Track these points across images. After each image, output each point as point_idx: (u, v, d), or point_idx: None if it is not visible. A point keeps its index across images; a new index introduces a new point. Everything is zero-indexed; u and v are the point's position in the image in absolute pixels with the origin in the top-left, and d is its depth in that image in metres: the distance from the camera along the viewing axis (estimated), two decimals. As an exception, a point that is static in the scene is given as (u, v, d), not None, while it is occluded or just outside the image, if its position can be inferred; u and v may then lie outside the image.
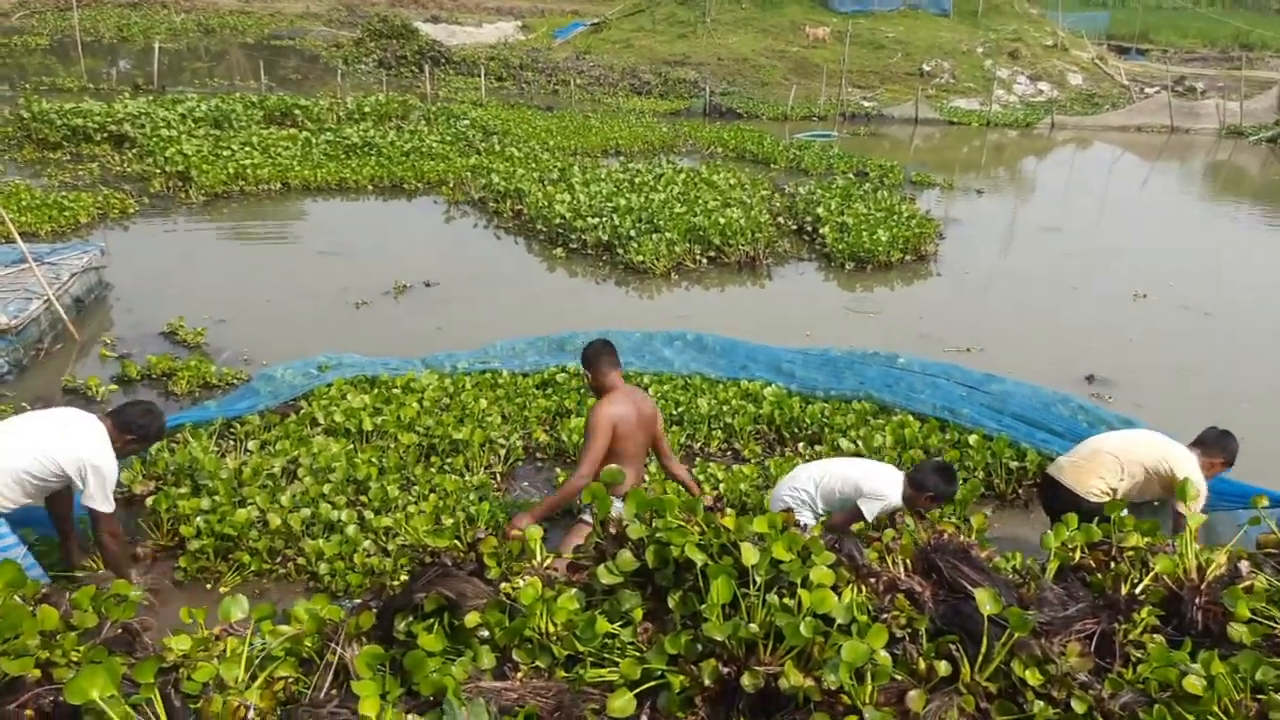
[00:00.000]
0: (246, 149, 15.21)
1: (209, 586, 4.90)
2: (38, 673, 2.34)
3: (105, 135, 16.14)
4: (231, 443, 6.16)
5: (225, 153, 14.86)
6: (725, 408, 6.93)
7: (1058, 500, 5.16)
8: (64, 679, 2.30)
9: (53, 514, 4.61)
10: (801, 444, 6.67)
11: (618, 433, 4.54)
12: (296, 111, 18.47)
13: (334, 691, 2.36)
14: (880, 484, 4.76)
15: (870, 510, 4.66)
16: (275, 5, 44.73)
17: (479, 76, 27.22)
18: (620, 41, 35.64)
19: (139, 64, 27.47)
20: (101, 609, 2.63)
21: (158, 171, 14.11)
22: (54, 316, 8.02)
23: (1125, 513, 3.10)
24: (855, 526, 4.28)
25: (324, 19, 41.71)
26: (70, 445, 4.14)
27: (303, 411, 6.55)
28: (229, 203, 13.40)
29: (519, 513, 4.83)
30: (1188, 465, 4.91)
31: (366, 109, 19.44)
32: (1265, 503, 3.23)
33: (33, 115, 16.14)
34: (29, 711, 2.26)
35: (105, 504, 4.23)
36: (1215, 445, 5.08)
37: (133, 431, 4.44)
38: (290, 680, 2.41)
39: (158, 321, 8.53)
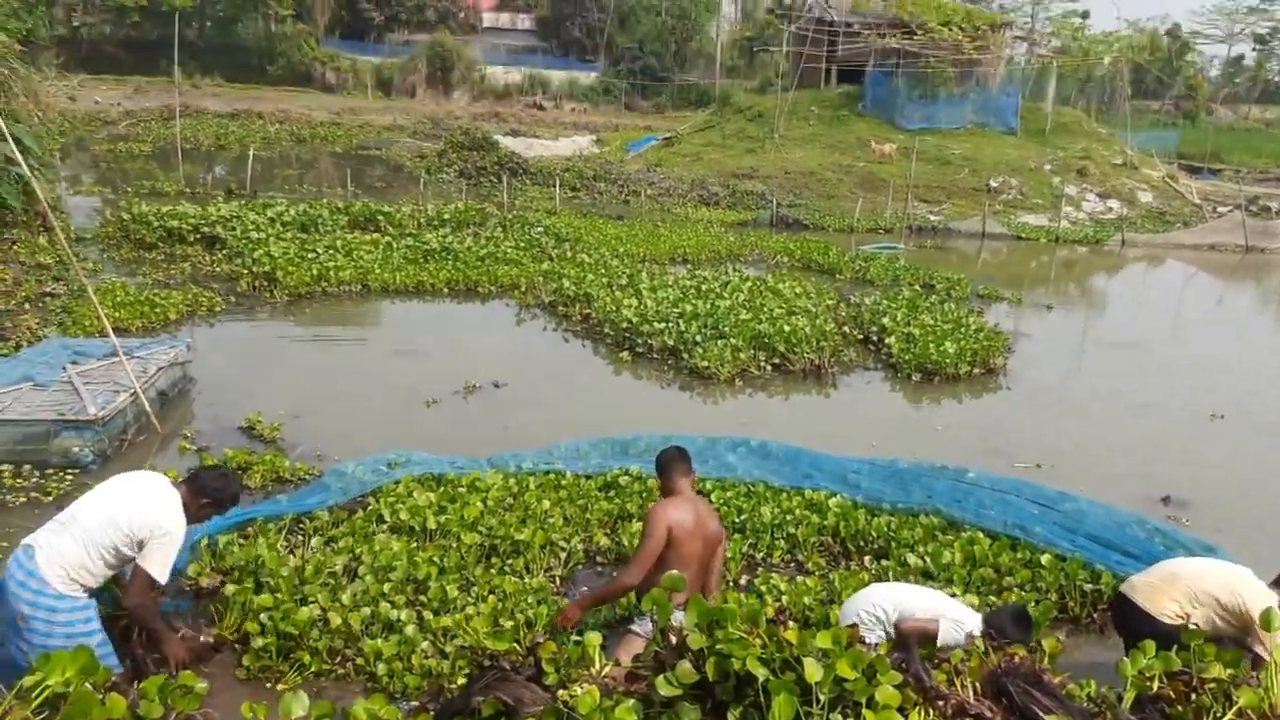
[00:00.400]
0: (330, 252, 15.83)
1: (269, 685, 4.92)
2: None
3: (198, 237, 16.97)
4: (300, 538, 6.26)
5: (310, 255, 15.47)
6: (789, 517, 6.85)
7: (1129, 619, 4.99)
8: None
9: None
10: (867, 557, 6.54)
11: (673, 536, 4.52)
12: (379, 217, 19.22)
13: (390, 793, 2.35)
14: (963, 614, 4.66)
15: (947, 632, 4.52)
16: (364, 118, 47.09)
17: (554, 187, 28.12)
18: (690, 155, 36.59)
19: (234, 170, 29.01)
20: (168, 700, 2.67)
21: (245, 272, 14.73)
22: (139, 409, 8.33)
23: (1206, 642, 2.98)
24: (916, 629, 4.19)
25: (409, 131, 43.71)
26: (145, 508, 4.19)
27: (370, 508, 6.65)
28: (311, 303, 13.89)
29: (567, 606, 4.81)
30: (1264, 599, 4.69)
31: (446, 216, 20.16)
32: None
33: (132, 217, 17.07)
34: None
35: (162, 573, 4.21)
36: None
37: (208, 495, 4.49)
38: (348, 779, 2.41)
39: (237, 416, 8.80)
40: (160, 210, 17.50)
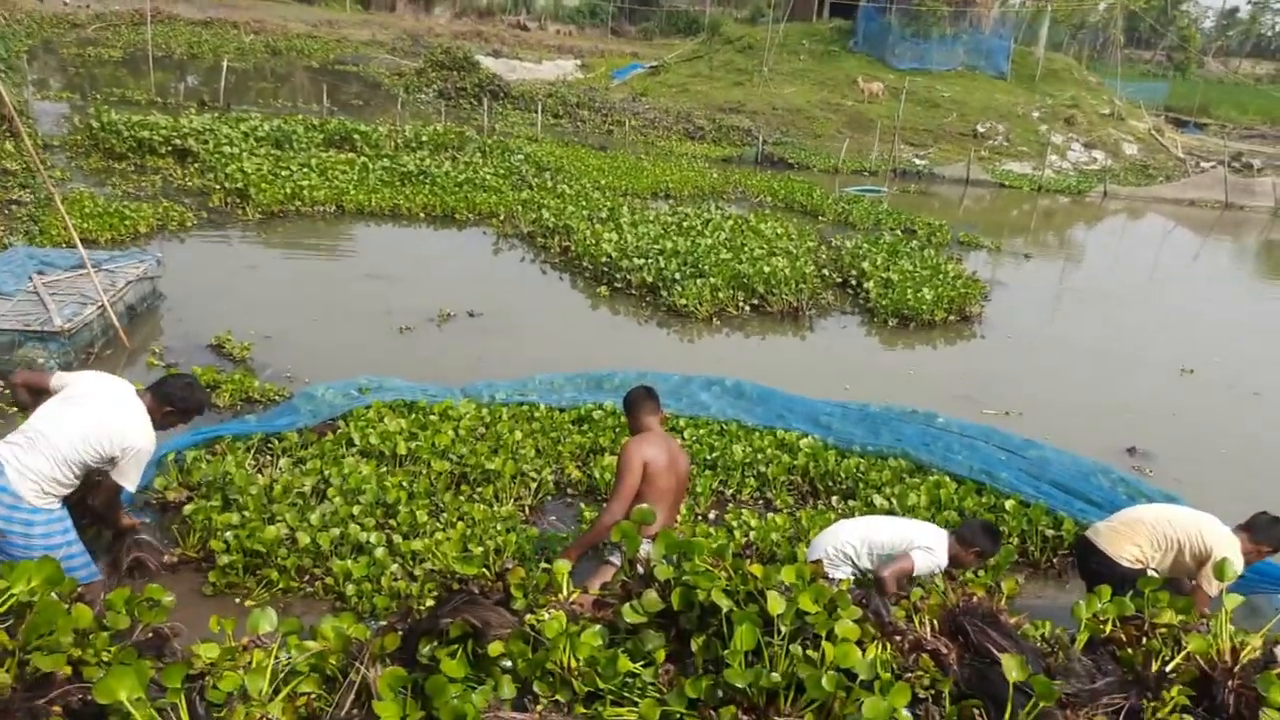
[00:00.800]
0: (304, 170, 15.56)
1: (237, 601, 4.95)
2: (69, 670, 2.38)
3: (170, 149, 16.59)
4: (268, 458, 6.25)
5: (284, 173, 15.20)
6: (760, 456, 6.91)
7: (1091, 564, 5.13)
8: (94, 678, 2.34)
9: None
10: (835, 497, 6.63)
11: (648, 472, 4.56)
12: (356, 136, 18.86)
13: (355, 711, 2.37)
14: (932, 540, 4.76)
15: (922, 562, 4.63)
16: (342, 31, 45.83)
17: (536, 112, 27.66)
18: (677, 86, 36.04)
19: (207, 81, 28.27)
20: (135, 612, 2.67)
21: (217, 187, 14.47)
22: (106, 322, 8.22)
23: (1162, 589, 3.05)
24: (896, 572, 4.28)
25: (388, 47, 42.62)
26: (116, 427, 4.14)
27: (340, 432, 6.64)
28: (284, 222, 13.68)
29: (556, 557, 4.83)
30: (1227, 545, 4.82)
31: (424, 138, 19.80)
32: None
33: (101, 125, 16.64)
34: (57, 708, 2.30)
35: (132, 485, 4.26)
36: (1265, 531, 4.96)
37: (173, 404, 4.41)
38: (313, 696, 2.44)
39: (206, 334, 8.71)
40: (131, 120, 17.07)
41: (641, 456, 4.57)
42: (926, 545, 4.72)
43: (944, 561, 4.72)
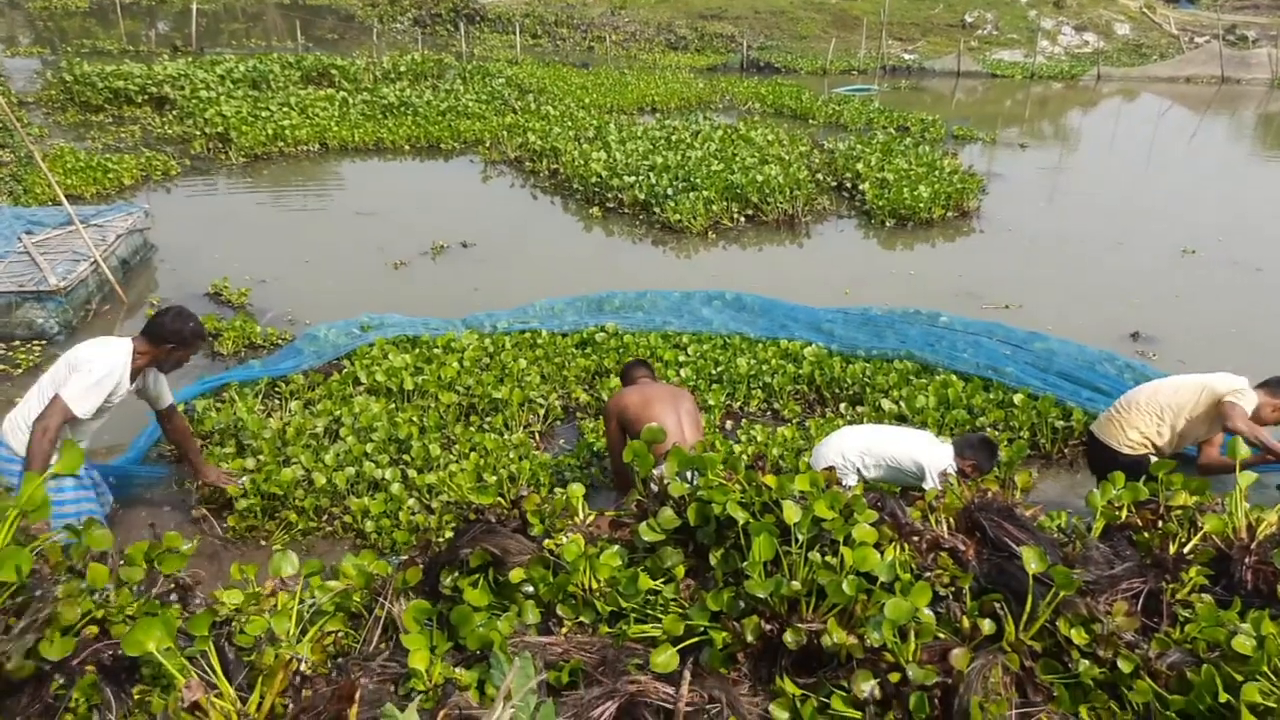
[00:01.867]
0: (284, 110, 15.28)
1: (261, 544, 5.00)
2: (95, 629, 2.40)
3: (146, 97, 16.29)
4: (276, 402, 6.25)
5: (264, 114, 14.94)
6: (765, 367, 6.90)
7: (1097, 456, 5.12)
8: (120, 635, 2.36)
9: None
10: (843, 404, 6.63)
11: (627, 418, 4.73)
12: (333, 71, 18.50)
13: (383, 645, 2.40)
14: (936, 456, 4.71)
15: (932, 481, 4.60)
16: (310, -36, 44.52)
17: (514, 34, 27.02)
18: (656, -5, 35.11)
19: (177, 26, 27.59)
20: (155, 563, 2.68)
21: (198, 133, 14.22)
22: (101, 278, 8.15)
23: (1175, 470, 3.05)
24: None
25: (358, -23, 41.45)
26: (81, 347, 4.12)
27: (346, 371, 6.63)
28: (268, 164, 13.48)
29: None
30: (1234, 385, 4.76)
31: (402, 68, 19.41)
32: None
33: (75, 79, 16.31)
34: (90, 666, 2.32)
35: (77, 403, 3.99)
36: None
37: (169, 339, 4.29)
38: (340, 634, 2.46)
39: (202, 282, 8.64)
40: (104, 70, 16.72)
41: (614, 412, 4.81)
42: (939, 469, 4.61)
43: (948, 467, 4.66)
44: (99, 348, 4.19)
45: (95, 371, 4.06)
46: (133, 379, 4.33)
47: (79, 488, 4.29)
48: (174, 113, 15.68)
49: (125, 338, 4.36)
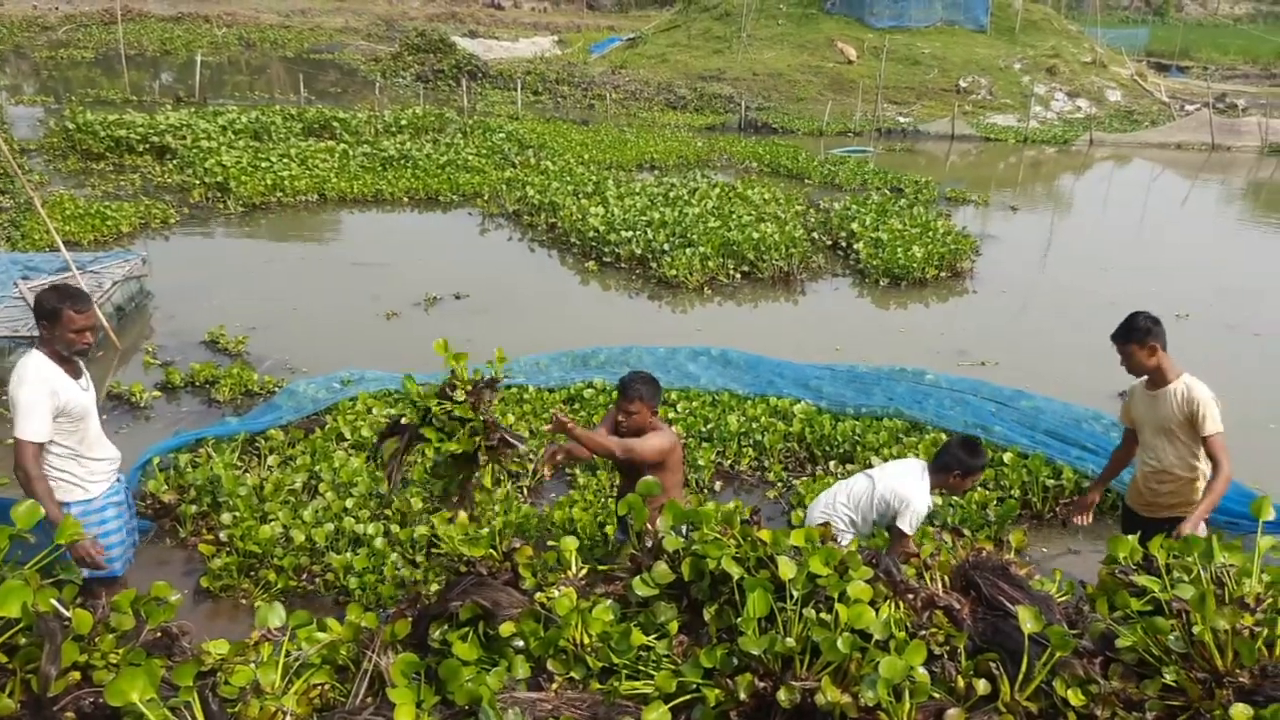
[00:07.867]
0: (285, 160, 15.42)
1: (243, 602, 4.91)
2: (77, 675, 2.36)
3: (147, 146, 16.44)
4: (255, 459, 6.20)
5: (264, 164, 15.06)
6: (755, 425, 6.88)
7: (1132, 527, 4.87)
8: (103, 681, 2.32)
9: None
10: (833, 462, 6.61)
11: (675, 456, 4.48)
12: (335, 124, 18.70)
13: (369, 699, 2.36)
14: (907, 487, 4.49)
15: (908, 521, 4.47)
16: (315, 20, 45.37)
17: (515, 90, 27.44)
18: (656, 57, 35.72)
19: (181, 77, 27.98)
20: (141, 612, 2.65)
21: (197, 182, 14.33)
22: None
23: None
24: (902, 557, 4.10)
25: (363, 34, 42.22)
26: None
27: (328, 426, 6.59)
28: (266, 213, 13.57)
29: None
30: (1202, 389, 4.70)
31: (404, 122, 19.63)
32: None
33: (77, 127, 16.47)
34: (69, 714, 2.28)
35: (25, 428, 3.76)
36: None
37: (44, 315, 3.90)
38: (326, 687, 2.42)
39: (198, 329, 8.65)
40: (107, 119, 16.90)
41: (677, 443, 4.50)
42: (903, 500, 4.45)
43: (926, 499, 4.49)
44: (12, 376, 3.91)
45: (22, 394, 3.81)
46: (76, 375, 4.08)
47: (120, 515, 4.21)
48: (174, 162, 15.81)
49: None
